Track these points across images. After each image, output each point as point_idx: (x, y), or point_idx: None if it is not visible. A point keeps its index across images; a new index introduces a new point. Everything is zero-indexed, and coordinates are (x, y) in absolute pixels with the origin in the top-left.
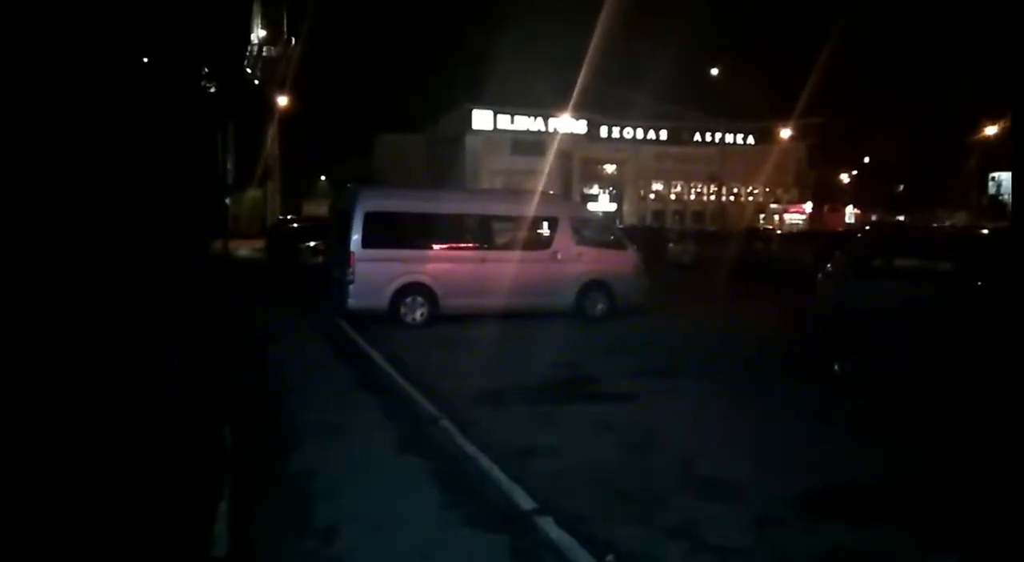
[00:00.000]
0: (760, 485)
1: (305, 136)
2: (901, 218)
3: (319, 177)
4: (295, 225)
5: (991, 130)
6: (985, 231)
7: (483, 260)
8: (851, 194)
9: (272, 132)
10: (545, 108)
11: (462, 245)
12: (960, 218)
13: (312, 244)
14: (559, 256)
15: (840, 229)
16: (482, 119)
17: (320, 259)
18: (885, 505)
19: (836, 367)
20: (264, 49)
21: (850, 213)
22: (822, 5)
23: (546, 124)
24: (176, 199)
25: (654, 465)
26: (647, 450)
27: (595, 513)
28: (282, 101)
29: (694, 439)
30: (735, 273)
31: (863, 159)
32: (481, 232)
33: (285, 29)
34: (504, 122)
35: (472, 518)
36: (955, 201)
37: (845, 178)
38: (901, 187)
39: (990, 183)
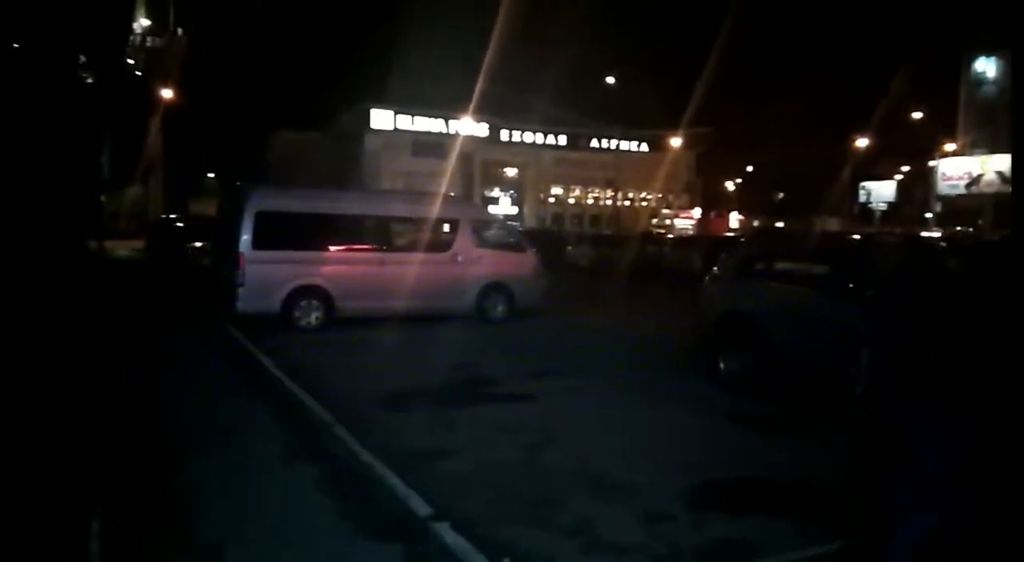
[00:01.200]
0: (652, 481)
1: (194, 131)
2: (780, 224)
3: (208, 174)
4: (179, 224)
5: (862, 143)
6: (856, 236)
7: (381, 262)
8: (736, 201)
9: (156, 126)
10: (447, 110)
11: (360, 247)
12: (833, 224)
13: (199, 244)
14: (459, 258)
15: (725, 234)
16: (382, 119)
17: (208, 260)
18: (767, 498)
19: (722, 366)
20: (148, 39)
21: (735, 219)
22: (710, 20)
23: (447, 126)
24: (42, 195)
25: (551, 465)
26: (545, 450)
27: (493, 516)
28: (167, 94)
29: (590, 438)
30: (630, 275)
31: (746, 168)
32: (380, 234)
33: (171, 19)
34: (405, 122)
35: (366, 527)
36: (829, 208)
37: (730, 185)
38: (781, 195)
39: (860, 192)
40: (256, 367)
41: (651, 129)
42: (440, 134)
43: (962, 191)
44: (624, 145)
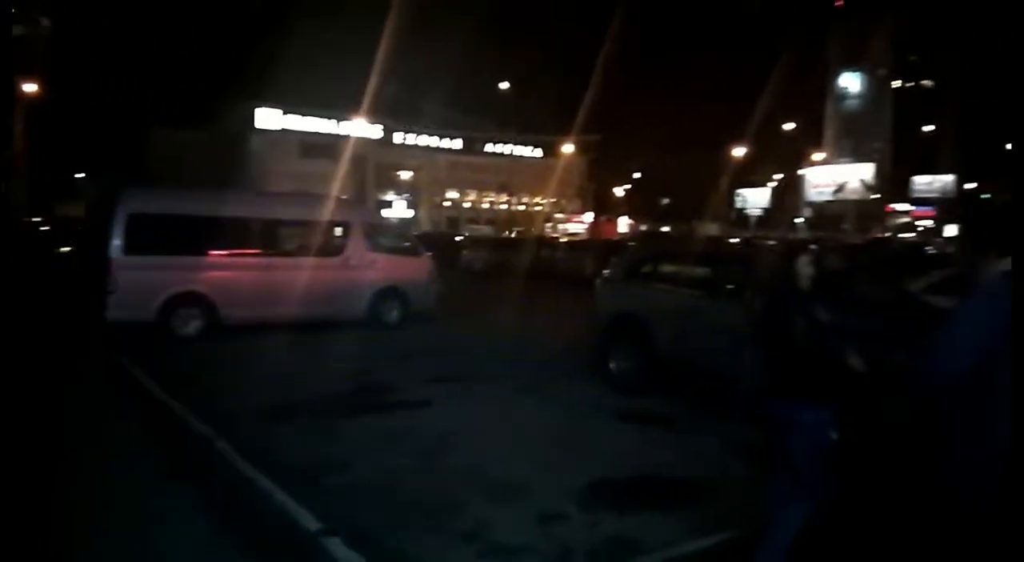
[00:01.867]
0: (546, 482)
1: (61, 128)
2: (666, 228)
3: (77, 175)
4: (44, 227)
5: (739, 151)
6: (734, 240)
7: (268, 267)
8: (625, 205)
9: (18, 121)
10: (338, 110)
11: (245, 251)
12: (713, 229)
13: (66, 249)
14: (352, 262)
15: (615, 238)
16: (268, 118)
17: (75, 264)
18: (655, 494)
19: (612, 366)
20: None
21: (624, 223)
22: (601, 28)
23: (339, 127)
24: None
25: (447, 471)
26: (439, 456)
27: (386, 525)
28: (30, 88)
29: (484, 441)
30: (524, 279)
31: (635, 174)
32: (266, 237)
33: (36, 6)
34: (294, 122)
35: (250, 547)
36: (710, 214)
37: (620, 191)
38: (666, 200)
39: (737, 198)
40: (129, 380)
41: (545, 135)
42: (331, 135)
43: (829, 198)
44: (518, 150)
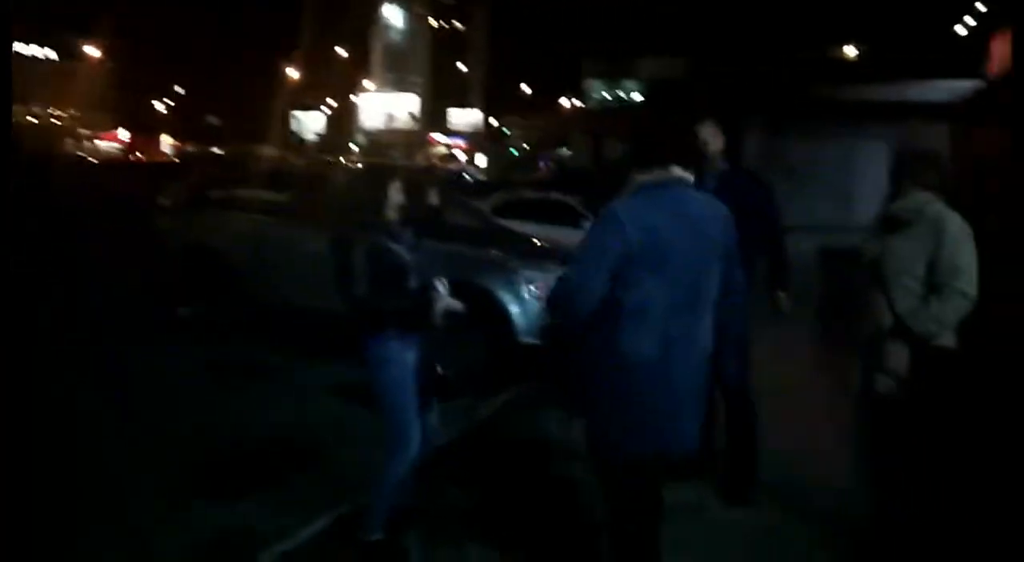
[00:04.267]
0: None
1: None
2: (217, 150)
3: None
4: None
5: (292, 74)
6: (317, 163)
7: None
8: (168, 124)
9: None
10: None
11: None
12: (268, 151)
13: None
14: None
15: (163, 159)
16: None
17: None
18: (254, 469)
19: (180, 311)
20: None
21: (167, 143)
22: None
23: None
24: None
25: None
26: None
27: None
28: None
29: None
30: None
31: (175, 88)
32: None
33: None
34: None
35: None
36: (265, 136)
37: (161, 107)
38: (215, 120)
39: (292, 121)
40: None
41: (58, 34)
42: None
43: (381, 126)
44: (27, 50)
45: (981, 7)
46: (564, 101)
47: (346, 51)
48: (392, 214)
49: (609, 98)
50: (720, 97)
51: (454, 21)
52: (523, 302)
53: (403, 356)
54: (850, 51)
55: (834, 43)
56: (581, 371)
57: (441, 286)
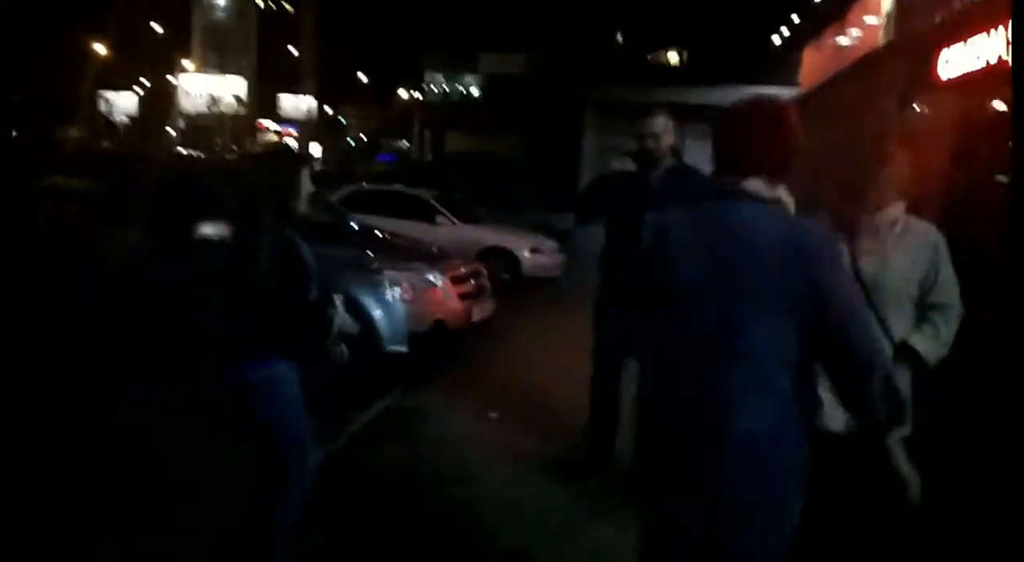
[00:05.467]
0: None
1: None
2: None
3: None
4: None
5: (99, 49)
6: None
7: None
8: None
9: None
10: None
11: None
12: (75, 133)
13: None
14: None
15: None
16: None
17: None
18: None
19: None
20: None
21: None
22: None
23: None
24: None
25: None
26: None
27: None
28: None
29: None
30: None
31: None
32: None
33: None
34: None
35: None
36: (71, 117)
37: None
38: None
39: (101, 102)
40: None
41: None
42: None
43: (203, 110)
44: None
45: (796, 18)
46: (403, 92)
47: (162, 27)
48: (304, 207)
49: (448, 91)
50: (556, 94)
51: (283, 2)
52: (388, 307)
53: (291, 374)
54: (672, 57)
55: (658, 48)
56: None
57: (338, 300)
